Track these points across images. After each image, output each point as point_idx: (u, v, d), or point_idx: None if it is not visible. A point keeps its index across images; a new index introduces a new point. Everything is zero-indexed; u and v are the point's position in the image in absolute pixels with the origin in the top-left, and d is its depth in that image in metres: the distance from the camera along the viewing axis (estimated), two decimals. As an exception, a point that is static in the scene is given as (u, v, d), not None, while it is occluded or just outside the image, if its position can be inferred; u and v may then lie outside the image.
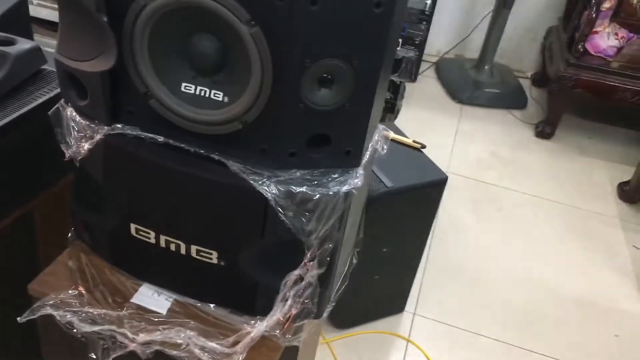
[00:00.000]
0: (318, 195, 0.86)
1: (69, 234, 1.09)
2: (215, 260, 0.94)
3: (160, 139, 0.90)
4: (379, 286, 1.79)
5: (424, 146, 1.74)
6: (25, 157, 1.10)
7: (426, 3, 1.96)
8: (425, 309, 1.96)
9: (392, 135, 1.73)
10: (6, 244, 1.14)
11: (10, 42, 1.13)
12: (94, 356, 0.98)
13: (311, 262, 0.91)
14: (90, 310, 0.97)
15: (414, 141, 1.74)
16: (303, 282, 0.93)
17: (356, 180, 0.89)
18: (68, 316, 0.96)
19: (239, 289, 0.97)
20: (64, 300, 0.98)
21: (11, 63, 1.09)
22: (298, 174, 0.88)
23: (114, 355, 0.97)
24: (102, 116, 0.90)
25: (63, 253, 1.07)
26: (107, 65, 0.84)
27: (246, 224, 0.90)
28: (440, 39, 3.43)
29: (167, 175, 0.89)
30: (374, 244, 1.67)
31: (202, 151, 0.89)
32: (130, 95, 0.88)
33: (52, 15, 2.10)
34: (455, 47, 3.46)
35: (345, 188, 0.88)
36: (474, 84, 3.20)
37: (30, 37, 1.81)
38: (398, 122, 2.62)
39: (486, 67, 3.26)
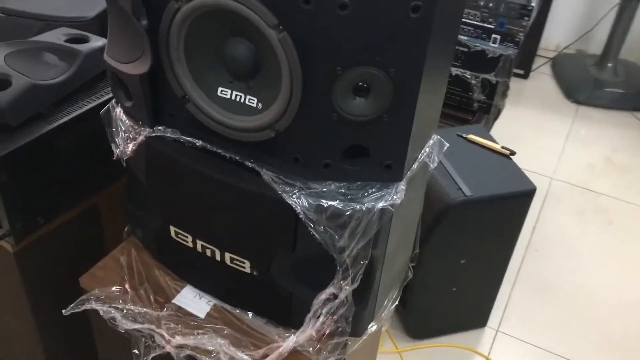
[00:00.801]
0: (350, 211, 0.81)
1: (126, 228, 1.11)
2: (248, 270, 0.91)
3: (199, 143, 0.88)
4: (457, 299, 1.70)
5: (513, 153, 1.61)
6: (92, 150, 1.13)
7: (528, -3, 1.81)
8: (510, 327, 1.83)
9: (476, 138, 1.62)
10: (74, 233, 1.18)
11: (83, 40, 1.17)
12: (137, 352, 1.00)
13: (344, 280, 0.86)
14: (132, 308, 0.98)
15: (502, 147, 1.61)
16: (337, 300, 0.88)
17: (395, 196, 0.83)
18: (112, 312, 0.98)
19: (274, 299, 0.94)
20: (109, 296, 1.00)
21: (81, 60, 1.12)
22: (333, 186, 0.83)
23: (153, 354, 0.97)
24: (144, 118, 0.90)
25: (117, 248, 1.09)
26: (143, 69, 0.83)
27: (277, 236, 0.87)
28: (559, 33, 3.19)
29: (202, 180, 0.88)
30: (451, 254, 1.58)
31: (237, 158, 0.86)
32: (170, 98, 0.87)
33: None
34: (576, 42, 3.20)
35: (381, 204, 0.81)
36: (594, 83, 2.94)
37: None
38: (501, 123, 2.48)
39: (609, 65, 2.98)
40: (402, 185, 0.84)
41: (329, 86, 0.75)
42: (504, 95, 2.26)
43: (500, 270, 1.69)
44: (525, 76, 3.05)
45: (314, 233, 0.82)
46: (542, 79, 3.11)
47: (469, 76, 1.87)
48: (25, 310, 1.18)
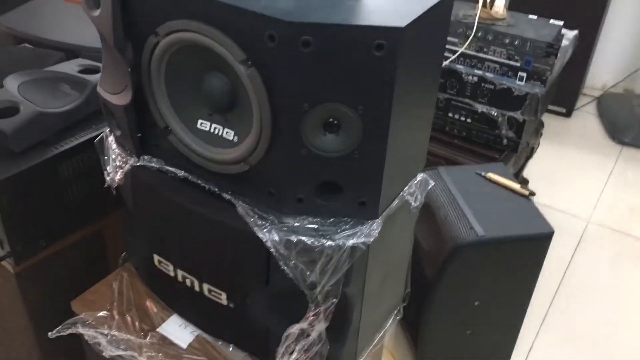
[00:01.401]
0: (320, 247, 0.80)
1: (122, 254, 1.13)
2: (225, 301, 0.91)
3: (181, 173, 0.89)
4: (473, 342, 1.63)
5: (532, 193, 1.55)
6: (96, 176, 1.16)
7: (556, 35, 1.76)
8: (531, 375, 1.75)
9: (495, 177, 1.58)
10: (77, 257, 1.21)
11: (95, 71, 1.22)
12: (121, 378, 1.01)
13: (316, 317, 0.84)
14: (117, 334, 0.99)
15: (521, 187, 1.56)
16: (310, 337, 0.86)
17: (368, 234, 0.81)
18: (97, 337, 0.99)
19: (252, 332, 0.93)
20: (96, 320, 1.02)
21: (90, 90, 1.16)
22: (306, 221, 0.82)
23: (136, 381, 0.98)
24: (132, 147, 0.92)
25: (111, 274, 1.11)
26: (126, 100, 0.85)
27: (251, 269, 0.87)
28: (605, 71, 3.09)
29: (181, 211, 0.89)
30: (463, 295, 1.53)
31: (216, 189, 0.87)
32: (155, 129, 0.89)
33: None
34: (624, 81, 3.10)
35: (352, 241, 0.80)
36: (641, 123, 2.84)
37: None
38: (537, 162, 2.40)
39: (659, 105, 2.87)
40: (376, 224, 0.82)
41: (297, 122, 0.75)
42: (537, 134, 2.20)
43: (517, 315, 1.62)
44: (567, 114, 2.97)
45: (285, 268, 0.81)
46: (585, 118, 3.02)
47: (495, 114, 1.83)
48: (28, 329, 1.21)
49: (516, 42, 1.73)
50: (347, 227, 0.81)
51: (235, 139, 0.82)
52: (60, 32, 1.81)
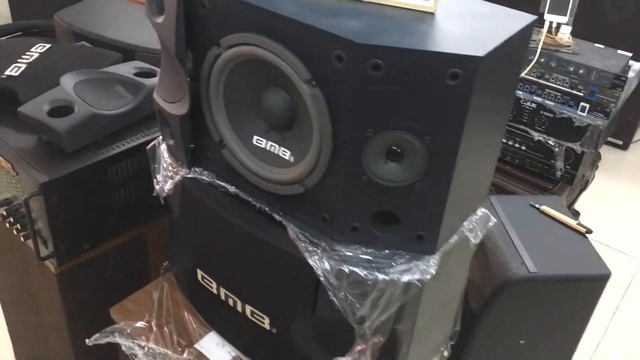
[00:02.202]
0: (373, 280, 0.76)
1: (165, 263, 1.11)
2: (267, 326, 0.88)
3: (232, 189, 0.86)
4: (514, 381, 1.56)
5: (589, 231, 1.48)
6: (143, 182, 1.15)
7: (623, 67, 1.69)
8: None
9: (549, 210, 1.51)
10: (118, 262, 1.20)
11: (150, 74, 1.20)
12: (155, 391, 0.98)
13: (362, 353, 0.80)
14: (154, 347, 0.97)
15: (578, 223, 1.49)
16: (353, 372, 0.82)
17: (425, 271, 0.76)
18: (134, 348, 0.97)
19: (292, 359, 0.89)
20: (134, 331, 1.00)
21: (145, 93, 1.15)
22: (360, 251, 0.78)
23: (168, 396, 0.95)
24: (183, 158, 0.90)
25: (152, 282, 1.09)
26: (182, 111, 0.83)
27: (298, 296, 0.83)
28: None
29: (230, 228, 0.86)
30: (509, 332, 1.47)
31: (267, 209, 0.84)
32: (209, 141, 0.86)
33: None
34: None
35: (407, 278, 0.76)
36: (702, 161, 2.71)
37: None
38: (590, 195, 2.31)
39: None
40: (433, 260, 0.78)
41: (359, 147, 0.71)
42: (593, 166, 2.11)
43: (567, 356, 1.54)
44: (624, 147, 2.86)
45: (334, 298, 0.77)
46: (644, 151, 2.91)
47: (552, 143, 1.76)
48: (63, 330, 1.20)
49: (581, 71, 1.66)
50: (402, 261, 0.77)
51: (292, 159, 0.79)
52: (117, 30, 1.81)
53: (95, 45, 1.57)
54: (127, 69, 1.21)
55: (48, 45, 1.25)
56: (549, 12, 1.69)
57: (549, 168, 1.83)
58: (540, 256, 1.39)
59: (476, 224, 0.85)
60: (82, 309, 1.19)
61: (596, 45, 1.79)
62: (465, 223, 0.84)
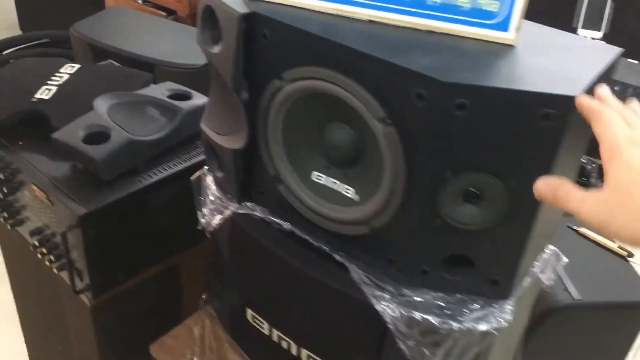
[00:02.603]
0: (447, 329, 0.71)
1: (203, 295, 1.06)
2: (324, 371, 0.83)
3: (287, 226, 0.82)
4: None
5: (631, 255, 1.43)
6: (180, 209, 1.10)
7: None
8: None
9: (588, 232, 1.46)
10: (152, 292, 1.15)
11: (186, 97, 1.16)
12: None
13: (430, 403, 0.75)
14: (197, 388, 0.92)
15: (619, 247, 1.44)
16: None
17: (501, 318, 0.72)
18: (177, 387, 0.93)
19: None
20: (176, 370, 0.95)
21: (181, 118, 1.10)
22: (429, 296, 0.73)
23: None
24: (234, 192, 0.85)
25: (191, 316, 1.04)
26: (238, 144, 0.78)
27: (361, 342, 0.78)
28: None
29: (285, 268, 0.81)
30: (552, 359, 1.42)
31: (326, 248, 0.79)
32: (262, 176, 0.82)
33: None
34: None
35: (483, 326, 0.71)
36: None
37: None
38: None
39: None
40: (509, 305, 0.73)
41: (435, 189, 0.66)
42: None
43: (605, 383, 1.50)
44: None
45: (403, 347, 0.73)
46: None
47: (584, 160, 1.72)
48: (95, 362, 1.16)
49: (616, 88, 1.62)
50: (476, 307, 0.72)
51: (356, 198, 0.75)
52: (136, 44, 1.77)
53: (114, 59, 1.54)
54: (160, 91, 1.16)
55: (77, 66, 1.21)
56: (583, 28, 1.65)
57: (582, 185, 1.79)
58: (582, 282, 1.34)
59: (547, 263, 0.80)
60: (115, 341, 1.14)
61: (629, 60, 1.75)
62: (536, 263, 0.79)
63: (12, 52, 2.35)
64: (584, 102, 0.57)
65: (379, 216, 0.71)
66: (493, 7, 0.66)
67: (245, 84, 0.76)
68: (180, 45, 1.77)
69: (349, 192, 0.75)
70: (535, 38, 0.70)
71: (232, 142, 0.80)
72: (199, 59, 1.68)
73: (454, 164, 0.64)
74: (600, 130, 0.55)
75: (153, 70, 1.68)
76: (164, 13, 2.45)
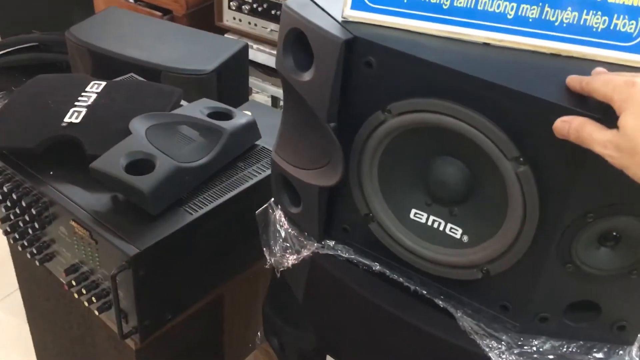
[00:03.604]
0: (574, 383, 0.65)
1: (259, 333, 0.98)
2: None
3: (377, 267, 0.74)
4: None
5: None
6: (225, 240, 1.02)
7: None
8: None
9: None
10: (196, 327, 1.07)
11: (227, 116, 1.07)
12: None
13: None
14: None
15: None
16: None
17: (629, 366, 0.66)
18: None
19: None
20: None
21: (225, 140, 1.01)
22: (548, 345, 0.67)
23: None
24: (314, 231, 0.77)
25: (248, 357, 0.96)
26: (329, 182, 0.70)
27: (470, 396, 0.71)
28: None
29: (376, 313, 0.74)
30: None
31: (424, 292, 0.72)
32: (348, 212, 0.74)
33: (269, 60, 2.13)
34: None
35: (614, 379, 0.65)
36: None
37: (246, 80, 1.81)
38: None
39: None
40: (635, 351, 0.67)
41: (572, 234, 0.60)
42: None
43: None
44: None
45: (523, 403, 0.66)
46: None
47: None
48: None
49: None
50: (600, 355, 0.66)
51: (465, 239, 0.67)
52: (138, 49, 1.66)
53: (116, 65, 1.43)
54: (198, 110, 1.07)
55: (103, 83, 1.10)
56: None
57: None
58: None
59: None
60: (157, 384, 1.06)
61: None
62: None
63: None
64: (574, 80, 0.56)
65: (497, 261, 0.65)
66: (630, 27, 0.60)
67: (336, 114, 0.68)
68: (186, 49, 1.67)
69: (456, 232, 0.68)
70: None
71: (319, 178, 0.72)
72: (207, 65, 1.59)
73: (598, 206, 0.58)
74: (601, 91, 0.52)
75: (159, 77, 1.58)
76: (159, 13, 2.34)
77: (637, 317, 0.66)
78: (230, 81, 1.72)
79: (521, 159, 0.58)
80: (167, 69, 1.60)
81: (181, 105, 1.11)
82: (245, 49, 1.71)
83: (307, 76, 0.67)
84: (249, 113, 1.33)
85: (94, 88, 1.09)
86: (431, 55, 0.61)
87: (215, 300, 1.08)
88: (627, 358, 0.66)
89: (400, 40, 0.62)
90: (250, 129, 1.08)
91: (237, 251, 1.06)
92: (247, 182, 1.02)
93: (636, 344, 0.68)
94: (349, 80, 0.65)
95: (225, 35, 2.07)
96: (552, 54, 0.62)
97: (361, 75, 0.64)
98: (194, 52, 1.68)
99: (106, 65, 1.60)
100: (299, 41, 0.67)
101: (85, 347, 1.13)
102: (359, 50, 0.63)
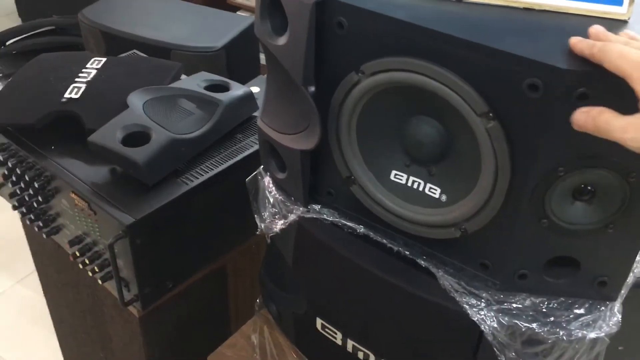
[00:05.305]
0: (554, 339, 0.65)
1: (257, 300, 1.00)
2: (408, 384, 0.77)
3: (361, 230, 0.75)
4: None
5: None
6: (226, 209, 1.04)
7: None
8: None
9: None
10: (199, 297, 1.09)
11: (224, 88, 1.08)
12: None
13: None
14: (265, 401, 0.87)
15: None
16: None
17: (611, 322, 0.66)
18: (242, 402, 0.87)
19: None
20: (239, 382, 0.89)
21: (222, 111, 1.03)
22: (528, 301, 0.67)
23: None
24: (299, 195, 0.78)
25: (247, 322, 0.99)
26: (308, 145, 0.71)
27: (451, 354, 0.72)
28: None
29: (361, 275, 0.74)
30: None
31: (407, 253, 0.72)
32: (331, 175, 0.75)
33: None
34: None
35: (594, 334, 0.65)
36: None
37: (257, 56, 1.81)
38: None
39: None
40: (617, 307, 0.67)
41: (544, 188, 0.60)
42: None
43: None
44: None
45: (503, 359, 0.67)
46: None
47: None
48: (144, 374, 1.10)
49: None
50: (581, 311, 0.66)
51: (443, 198, 0.68)
52: (148, 28, 1.69)
53: (128, 45, 1.45)
54: (195, 83, 1.08)
55: (103, 60, 1.12)
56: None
57: None
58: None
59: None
60: (163, 350, 1.09)
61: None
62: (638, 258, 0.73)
63: (16, 42, 2.25)
64: (582, 44, 0.53)
65: (474, 219, 0.65)
66: (603, -21, 0.59)
67: (313, 78, 0.68)
68: (196, 27, 1.69)
69: (435, 192, 0.68)
70: (646, 11, 0.63)
71: (299, 142, 0.73)
72: (216, 41, 1.61)
73: (568, 160, 0.57)
74: (617, 65, 0.50)
75: (169, 55, 1.60)
76: (172, -7, 2.35)
77: (618, 273, 0.66)
78: (240, 57, 1.73)
79: (490, 115, 0.58)
80: (176, 47, 1.62)
81: (180, 80, 1.13)
82: (252, 27, 1.72)
83: (282, 40, 0.68)
84: (258, 88, 1.34)
85: (94, 64, 1.11)
86: (400, 13, 0.61)
87: (217, 270, 1.10)
88: (608, 313, 0.66)
89: (370, 0, 0.62)
90: (248, 101, 1.09)
91: (236, 221, 1.07)
92: (244, 152, 1.04)
93: (619, 300, 0.68)
94: (323, 43, 0.66)
95: (237, 13, 2.08)
96: (525, 9, 0.62)
97: (334, 36, 0.65)
98: (204, 29, 1.69)
99: (118, 45, 1.62)
100: (275, 6, 0.68)
101: (96, 317, 1.16)
102: (330, 11, 0.63)
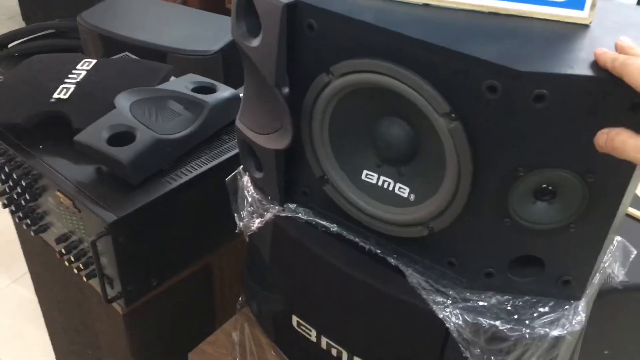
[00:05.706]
0: (517, 336, 0.66)
1: (240, 298, 1.02)
2: (380, 381, 0.78)
3: (334, 228, 0.77)
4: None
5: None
6: (210, 208, 1.05)
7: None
8: None
9: (633, 211, 1.41)
10: (185, 295, 1.11)
11: (211, 90, 1.10)
12: None
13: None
14: (242, 397, 0.88)
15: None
16: None
17: (574, 320, 0.67)
18: (219, 398, 0.88)
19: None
20: (218, 379, 0.91)
21: (207, 112, 1.05)
22: (494, 300, 0.68)
23: None
24: (275, 194, 0.80)
25: (229, 320, 1.00)
26: (282, 145, 0.73)
27: (420, 351, 0.73)
28: None
29: (334, 273, 0.76)
30: (593, 342, 1.37)
31: (378, 251, 0.74)
32: (306, 175, 0.76)
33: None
34: None
35: (557, 332, 0.66)
36: None
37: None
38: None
39: None
40: (581, 306, 0.68)
41: (504, 187, 0.61)
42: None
43: (649, 367, 1.45)
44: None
45: (468, 356, 0.68)
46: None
47: None
48: (128, 370, 1.12)
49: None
50: (545, 310, 0.68)
51: (412, 197, 0.69)
52: (146, 31, 1.71)
53: (125, 49, 1.48)
54: (183, 84, 1.10)
55: (94, 61, 1.15)
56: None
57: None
58: (634, 265, 1.29)
59: (616, 257, 0.75)
60: (148, 348, 1.10)
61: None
62: (605, 258, 0.74)
63: (18, 45, 2.28)
64: (606, 56, 0.53)
65: (440, 217, 0.66)
66: (564, -16, 0.60)
67: (287, 79, 0.70)
68: (193, 31, 1.71)
69: (404, 191, 0.70)
70: (610, 15, 0.64)
71: (273, 141, 0.74)
72: (213, 45, 1.63)
73: (528, 160, 0.59)
74: (636, 80, 0.51)
75: (165, 58, 1.62)
76: (172, -2, 2.38)
77: (582, 272, 0.67)
78: (236, 61, 1.76)
79: (452, 115, 0.59)
80: (173, 50, 1.64)
81: (169, 81, 1.15)
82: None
83: (256, 42, 0.69)
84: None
85: (85, 66, 1.13)
86: (368, 16, 0.62)
87: (203, 268, 1.12)
88: (572, 312, 0.67)
89: (339, 3, 0.64)
90: (234, 102, 1.11)
91: (221, 220, 1.09)
92: (229, 153, 1.05)
93: (584, 299, 0.69)
94: (295, 44, 0.67)
95: (233, 18, 2.10)
96: (490, 13, 0.63)
97: (305, 38, 0.66)
98: (200, 33, 1.71)
99: (115, 48, 1.64)
100: (249, 7, 0.70)
101: (83, 315, 1.18)
102: (301, 14, 0.65)
